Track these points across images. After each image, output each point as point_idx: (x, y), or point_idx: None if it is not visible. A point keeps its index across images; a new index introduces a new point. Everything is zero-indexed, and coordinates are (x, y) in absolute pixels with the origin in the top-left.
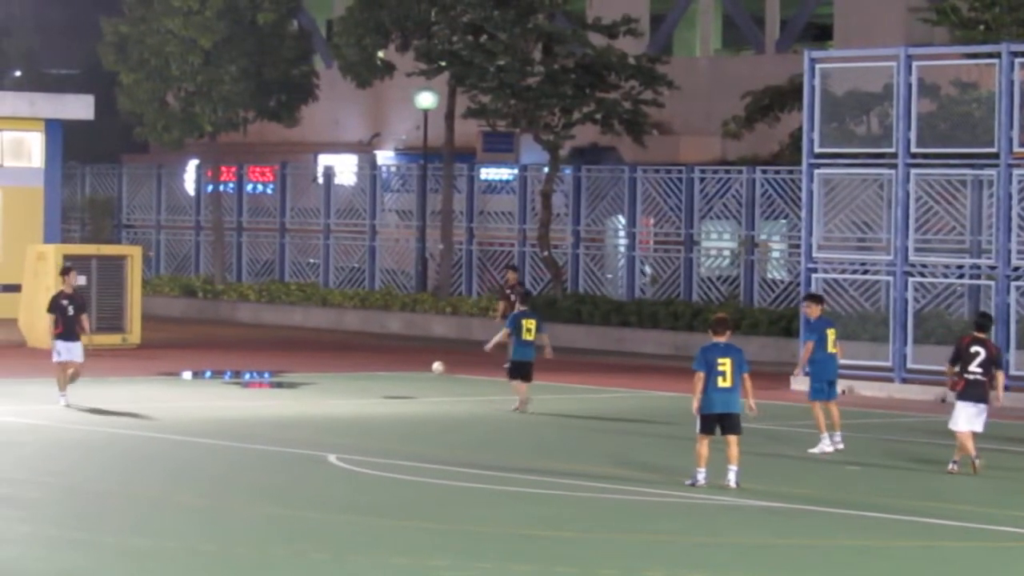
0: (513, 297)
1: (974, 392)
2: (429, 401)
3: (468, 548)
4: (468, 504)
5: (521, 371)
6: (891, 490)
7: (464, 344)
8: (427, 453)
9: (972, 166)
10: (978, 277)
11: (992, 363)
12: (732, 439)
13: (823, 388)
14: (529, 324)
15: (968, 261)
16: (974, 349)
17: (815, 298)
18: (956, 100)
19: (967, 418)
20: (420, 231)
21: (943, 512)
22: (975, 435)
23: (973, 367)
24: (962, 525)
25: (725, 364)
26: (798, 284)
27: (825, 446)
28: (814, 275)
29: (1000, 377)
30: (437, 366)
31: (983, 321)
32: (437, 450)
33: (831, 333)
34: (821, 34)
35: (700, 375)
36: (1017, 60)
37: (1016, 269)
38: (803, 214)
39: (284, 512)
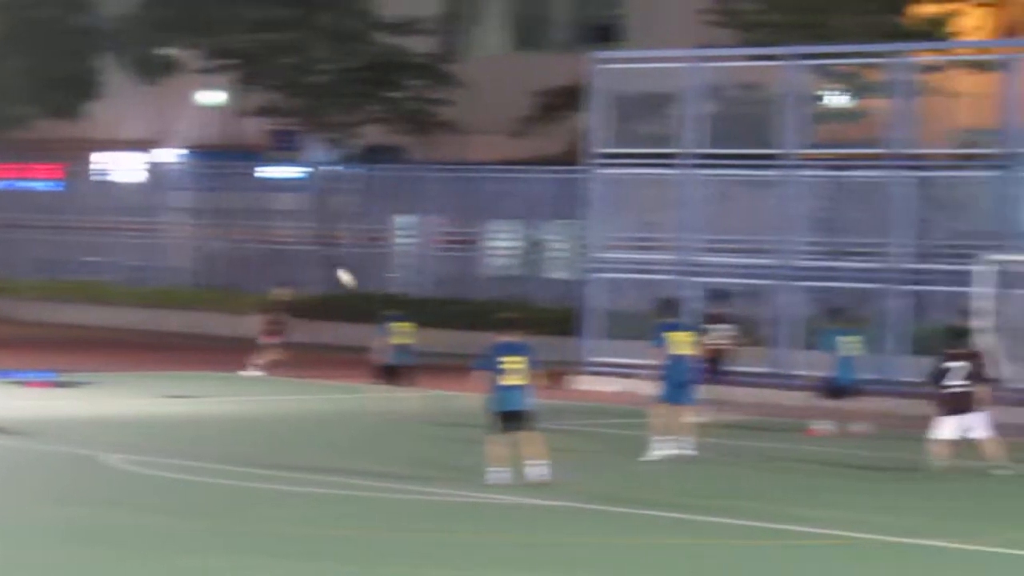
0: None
1: None
2: (212, 400)
3: (249, 548)
4: (250, 504)
5: (391, 375)
6: (679, 488)
7: (247, 343)
8: (210, 452)
9: (757, 167)
10: (762, 277)
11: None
12: (530, 436)
13: (670, 391)
14: (402, 327)
15: (752, 261)
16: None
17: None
18: (742, 101)
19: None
20: (204, 230)
21: (738, 510)
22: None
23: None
24: (752, 524)
25: (516, 362)
26: (582, 283)
27: (663, 450)
28: (598, 275)
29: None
30: (345, 276)
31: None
32: (220, 449)
33: (680, 336)
34: (610, 35)
35: (487, 374)
36: (801, 62)
37: (800, 269)
38: (587, 214)
39: (63, 513)
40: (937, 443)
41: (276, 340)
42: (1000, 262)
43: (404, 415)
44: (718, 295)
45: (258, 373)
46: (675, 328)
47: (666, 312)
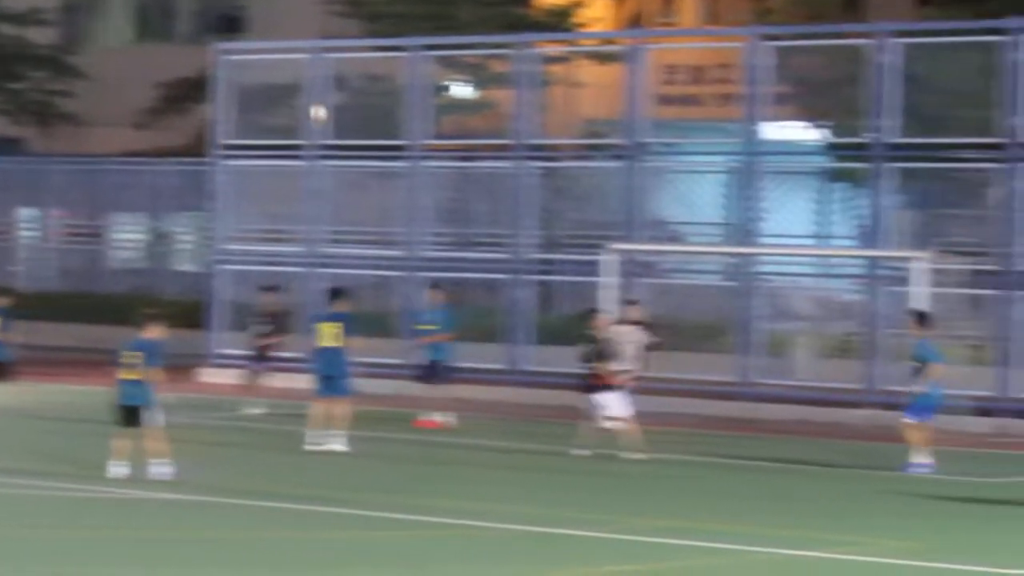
0: None
1: None
2: None
3: None
4: None
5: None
6: (307, 481)
7: None
8: None
9: (383, 158)
10: (389, 268)
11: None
12: (145, 432)
13: (320, 384)
14: None
15: (380, 252)
16: None
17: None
18: (368, 92)
19: None
20: None
21: (368, 502)
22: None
23: None
24: (382, 515)
25: (132, 357)
26: (209, 275)
27: (324, 443)
28: (225, 267)
29: None
30: (317, 112)
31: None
32: None
33: (325, 327)
34: (235, 26)
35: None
36: (426, 53)
37: (427, 260)
38: (214, 206)
39: None
40: (586, 428)
41: None
42: (625, 251)
43: (16, 411)
44: (267, 288)
45: None
46: (329, 319)
47: (333, 302)
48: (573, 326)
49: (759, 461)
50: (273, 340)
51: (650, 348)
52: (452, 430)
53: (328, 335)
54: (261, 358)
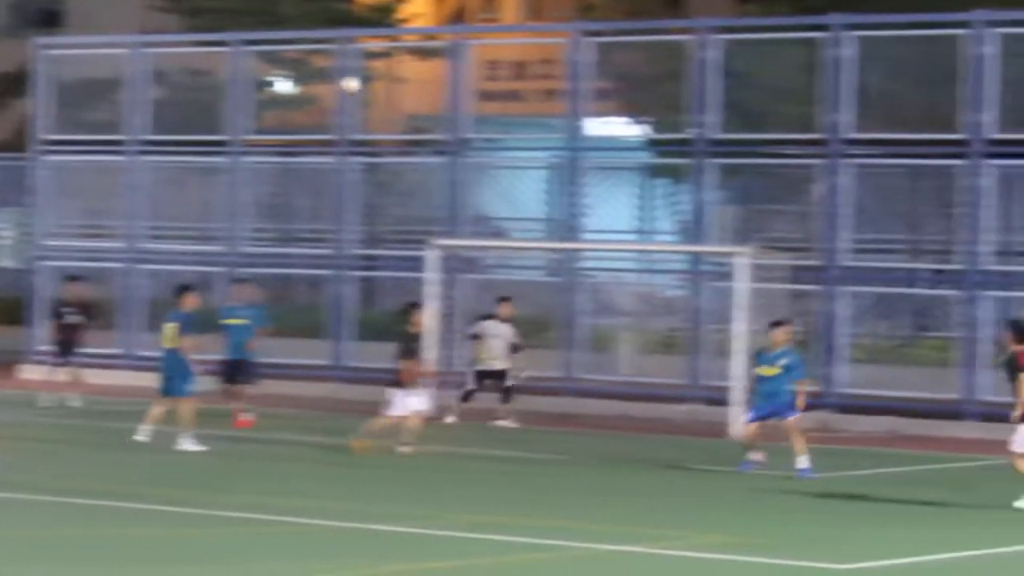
0: None
1: None
2: None
3: None
4: None
5: None
6: (142, 479)
7: None
8: None
9: (205, 153)
10: (211, 264)
11: None
12: None
13: (160, 384)
14: None
15: (201, 248)
16: None
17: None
18: (189, 87)
19: None
20: None
21: (195, 500)
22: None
23: None
24: (217, 513)
25: None
26: (30, 272)
27: (141, 436)
28: (45, 263)
29: None
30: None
31: None
32: None
33: (167, 327)
34: (54, 20)
35: None
36: (248, 48)
37: (249, 256)
38: (33, 201)
39: None
40: (410, 424)
41: None
42: (448, 247)
43: None
44: (72, 278)
45: None
46: (169, 319)
47: (176, 300)
48: (395, 322)
49: (582, 457)
50: (80, 330)
51: (514, 349)
52: (255, 425)
53: (167, 335)
54: (66, 349)
